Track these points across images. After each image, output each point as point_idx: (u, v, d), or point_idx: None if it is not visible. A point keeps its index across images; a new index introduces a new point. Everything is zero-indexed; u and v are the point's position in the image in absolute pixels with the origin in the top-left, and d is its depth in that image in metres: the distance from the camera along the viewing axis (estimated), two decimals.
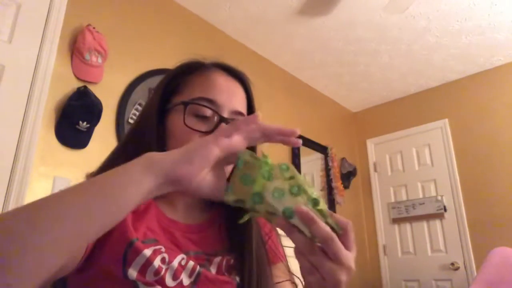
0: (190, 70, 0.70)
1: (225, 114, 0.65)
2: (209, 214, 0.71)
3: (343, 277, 0.42)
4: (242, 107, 0.68)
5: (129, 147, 0.68)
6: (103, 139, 1.94)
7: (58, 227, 0.36)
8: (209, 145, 0.46)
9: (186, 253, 0.60)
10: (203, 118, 0.64)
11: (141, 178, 0.42)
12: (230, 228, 0.68)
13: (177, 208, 0.68)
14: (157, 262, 0.55)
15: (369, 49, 3.11)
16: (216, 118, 0.64)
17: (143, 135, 0.66)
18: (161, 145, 0.66)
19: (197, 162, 0.45)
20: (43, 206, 0.37)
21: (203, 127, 0.63)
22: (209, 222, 0.69)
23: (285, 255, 0.74)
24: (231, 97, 0.67)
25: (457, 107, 3.53)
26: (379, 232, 3.73)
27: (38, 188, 1.68)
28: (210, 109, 0.64)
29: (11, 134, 1.63)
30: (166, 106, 0.68)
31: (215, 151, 0.46)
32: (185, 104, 0.64)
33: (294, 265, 0.64)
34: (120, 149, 0.70)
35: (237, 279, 0.62)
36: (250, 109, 0.72)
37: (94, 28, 1.96)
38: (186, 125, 0.63)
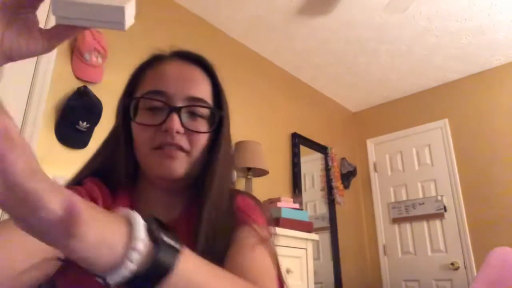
0: (145, 66, 0.69)
1: (179, 103, 0.62)
2: (183, 208, 0.68)
3: None
4: (201, 92, 0.65)
5: (103, 154, 0.70)
6: (103, 139, 1.94)
7: None
8: None
9: None
10: (155, 111, 0.62)
11: None
12: (201, 219, 0.64)
13: (155, 205, 0.67)
14: None
15: (369, 49, 3.11)
16: (166, 109, 0.62)
17: (114, 138, 0.68)
18: (129, 147, 0.65)
19: None
20: None
21: (155, 120, 0.61)
22: (185, 217, 0.66)
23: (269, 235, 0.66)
24: (185, 85, 0.64)
25: (457, 107, 3.53)
26: (379, 232, 3.73)
27: None
28: (158, 100, 0.62)
29: None
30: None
31: None
32: (134, 100, 0.65)
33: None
34: (96, 154, 0.71)
35: None
36: (217, 94, 0.69)
37: None
38: (136, 122, 0.63)
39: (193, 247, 0.62)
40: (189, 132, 0.62)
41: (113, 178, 0.65)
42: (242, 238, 0.59)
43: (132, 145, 0.65)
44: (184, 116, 0.62)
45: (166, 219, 0.65)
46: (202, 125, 0.64)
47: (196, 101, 0.64)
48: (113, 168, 0.65)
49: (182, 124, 0.61)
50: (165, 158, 0.60)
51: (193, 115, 0.64)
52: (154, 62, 0.69)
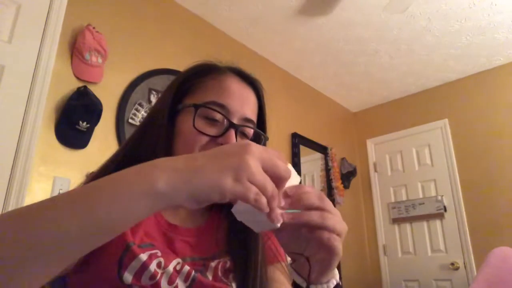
0: (204, 73, 0.70)
1: (235, 121, 0.65)
2: (209, 216, 0.71)
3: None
4: (253, 114, 0.69)
5: (130, 145, 0.68)
6: (103, 139, 1.94)
7: (37, 241, 0.34)
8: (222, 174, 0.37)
9: (182, 259, 0.60)
10: (213, 122, 0.64)
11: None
12: (231, 228, 0.68)
13: (179, 212, 0.67)
14: (153, 267, 0.55)
15: (369, 49, 3.11)
16: (226, 123, 0.64)
17: (150, 132, 0.66)
18: (168, 144, 0.66)
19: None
20: (26, 215, 0.35)
21: (212, 131, 0.64)
22: (208, 224, 0.69)
23: (285, 255, 0.74)
24: (243, 104, 0.67)
25: (457, 107, 3.53)
26: (379, 232, 3.73)
27: (38, 188, 1.68)
28: (221, 114, 0.64)
29: (11, 134, 1.63)
30: (177, 106, 0.68)
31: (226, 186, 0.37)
32: (196, 106, 0.64)
33: None
34: (122, 147, 0.69)
35: (234, 286, 0.62)
36: (261, 117, 0.73)
37: (94, 28, 1.96)
38: (195, 128, 0.63)
39: (220, 253, 0.64)
40: None
41: None
42: (279, 281, 0.68)
43: (168, 145, 0.66)
44: (238, 134, 0.66)
45: (193, 225, 0.66)
46: None
47: (249, 122, 0.68)
48: None
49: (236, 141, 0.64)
50: None
51: (243, 134, 0.68)
52: (211, 71, 0.70)
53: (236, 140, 0.64)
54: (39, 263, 0.34)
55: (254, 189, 0.37)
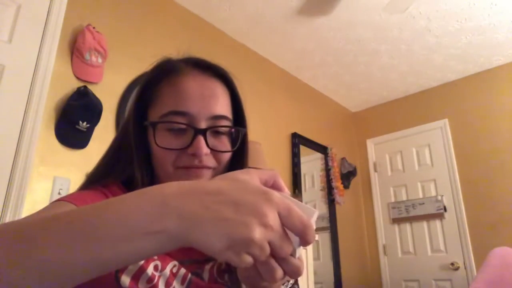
0: (159, 78, 0.65)
1: (203, 123, 0.60)
2: None
3: None
4: (223, 109, 0.63)
5: (111, 155, 0.66)
6: (103, 139, 1.94)
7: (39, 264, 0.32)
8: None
9: (178, 261, 0.59)
10: (179, 133, 0.60)
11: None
12: None
13: None
14: (150, 270, 0.54)
15: (369, 49, 3.11)
16: (191, 131, 0.60)
17: (124, 150, 0.64)
18: (143, 162, 0.63)
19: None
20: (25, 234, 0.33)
21: (178, 143, 0.60)
22: None
23: None
24: (207, 102, 0.61)
25: (457, 107, 3.53)
26: (379, 232, 3.73)
27: (38, 188, 1.68)
28: (182, 123, 0.60)
29: (11, 134, 1.63)
30: (143, 122, 0.63)
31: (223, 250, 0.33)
32: (153, 124, 0.61)
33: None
34: (109, 164, 0.66)
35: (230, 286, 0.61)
36: (236, 105, 0.67)
37: (94, 28, 1.96)
38: (159, 146, 0.60)
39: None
40: (215, 152, 0.62)
41: (130, 187, 0.63)
42: None
43: (148, 158, 0.63)
44: (209, 136, 0.61)
45: None
46: (226, 142, 0.63)
47: (219, 119, 0.62)
48: (131, 177, 0.62)
49: (208, 145, 0.60)
50: (192, 178, 0.59)
51: (217, 133, 0.62)
52: (169, 74, 0.64)
53: (207, 144, 0.59)
54: (36, 285, 0.32)
55: (248, 261, 0.33)
